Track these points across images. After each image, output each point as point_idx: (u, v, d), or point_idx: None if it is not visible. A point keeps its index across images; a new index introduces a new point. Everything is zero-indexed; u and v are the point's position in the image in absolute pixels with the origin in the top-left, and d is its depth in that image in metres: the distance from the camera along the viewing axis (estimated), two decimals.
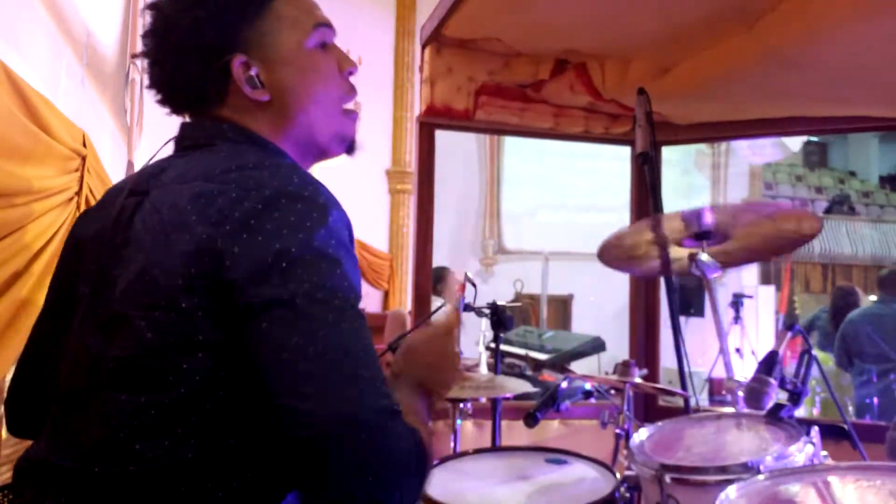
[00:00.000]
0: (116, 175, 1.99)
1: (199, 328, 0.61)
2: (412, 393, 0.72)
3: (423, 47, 1.98)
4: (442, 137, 2.09)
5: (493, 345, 1.79)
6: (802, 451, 1.00)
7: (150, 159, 0.78)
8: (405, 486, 0.57)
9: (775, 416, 1.11)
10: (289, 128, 0.76)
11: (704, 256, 1.37)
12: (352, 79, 0.81)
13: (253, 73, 0.72)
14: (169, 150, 0.78)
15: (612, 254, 1.39)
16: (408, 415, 0.63)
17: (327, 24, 0.77)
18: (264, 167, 0.66)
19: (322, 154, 0.81)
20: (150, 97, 0.80)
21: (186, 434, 0.61)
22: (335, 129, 0.79)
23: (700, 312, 5.00)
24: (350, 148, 0.82)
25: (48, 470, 0.66)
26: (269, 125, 0.75)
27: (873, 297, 5.76)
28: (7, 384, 1.40)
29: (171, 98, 0.77)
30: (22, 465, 0.70)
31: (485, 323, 1.86)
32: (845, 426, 1.38)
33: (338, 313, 0.59)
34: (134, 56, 0.78)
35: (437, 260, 2.35)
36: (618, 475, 1.09)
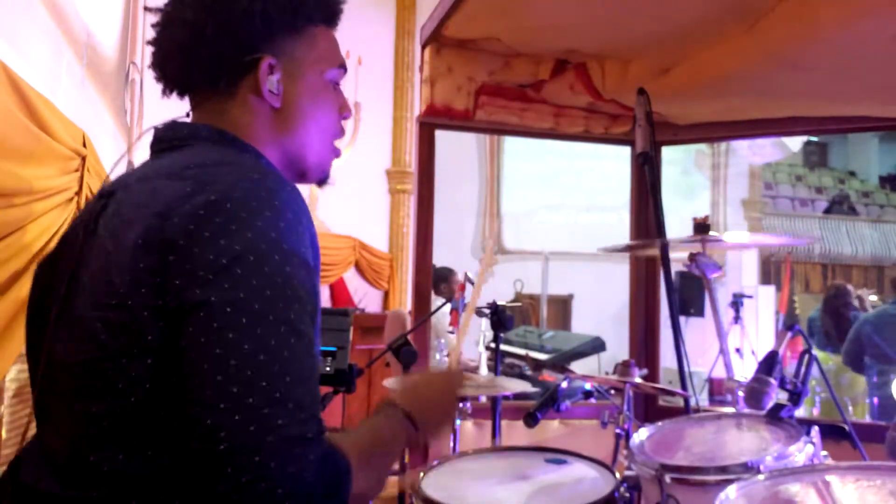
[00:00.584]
0: (116, 175, 1.98)
1: (147, 329, 0.59)
2: (395, 420, 0.73)
3: (423, 47, 1.98)
4: (442, 137, 2.09)
5: (493, 345, 1.79)
6: (802, 451, 1.00)
7: (117, 161, 0.78)
8: None
9: (775, 416, 1.11)
10: (285, 139, 0.77)
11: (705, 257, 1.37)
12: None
13: (276, 77, 0.74)
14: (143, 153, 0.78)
15: None
16: (365, 440, 0.68)
17: (345, 69, 0.81)
18: (224, 163, 0.66)
19: (301, 175, 0.81)
20: (152, 76, 0.79)
21: (142, 445, 0.59)
22: (322, 158, 0.81)
23: (700, 312, 5.00)
24: (323, 181, 0.84)
25: (20, 490, 0.64)
26: (267, 130, 0.75)
27: (873, 297, 5.76)
28: (7, 384, 1.40)
29: (185, 67, 0.74)
30: (6, 489, 0.68)
31: (485, 323, 1.86)
32: (845, 426, 1.38)
33: (270, 326, 0.57)
34: (149, 40, 0.77)
35: (437, 260, 2.35)
36: (618, 475, 1.09)
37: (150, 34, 0.77)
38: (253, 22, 0.71)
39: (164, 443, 0.59)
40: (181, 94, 0.78)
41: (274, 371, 0.56)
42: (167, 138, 0.74)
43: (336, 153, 0.83)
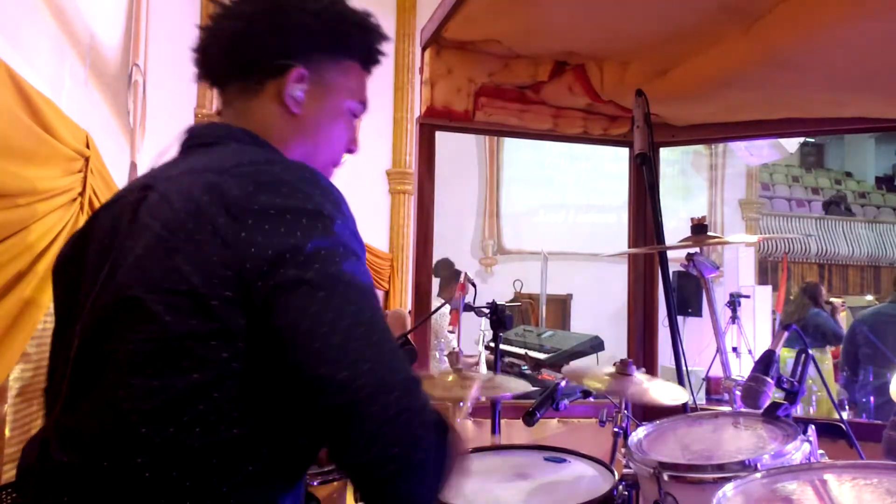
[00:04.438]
0: (119, 176, 1.99)
1: (218, 316, 0.63)
2: None
3: (424, 49, 1.99)
4: (442, 138, 2.10)
5: (492, 344, 1.80)
6: (799, 450, 1.01)
7: (158, 157, 0.80)
8: (434, 444, 0.62)
9: (772, 415, 1.12)
10: (299, 147, 0.81)
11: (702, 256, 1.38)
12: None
13: (302, 87, 0.79)
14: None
15: None
16: None
17: (365, 107, 0.87)
18: (275, 163, 0.71)
19: None
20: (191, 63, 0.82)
21: (192, 422, 0.62)
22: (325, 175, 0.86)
23: (698, 312, 5.01)
24: None
25: (53, 468, 0.66)
26: (282, 134, 0.79)
27: (869, 297, 5.77)
28: (11, 383, 1.41)
29: (227, 54, 0.79)
30: (25, 465, 0.70)
31: (484, 322, 1.87)
32: (842, 425, 1.39)
33: (360, 294, 0.64)
34: (201, 26, 0.82)
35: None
36: (616, 473, 1.10)
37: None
38: (299, 33, 0.78)
39: (213, 422, 0.63)
40: (212, 84, 0.82)
41: (377, 327, 0.63)
42: (202, 135, 0.78)
43: (330, 175, 0.87)
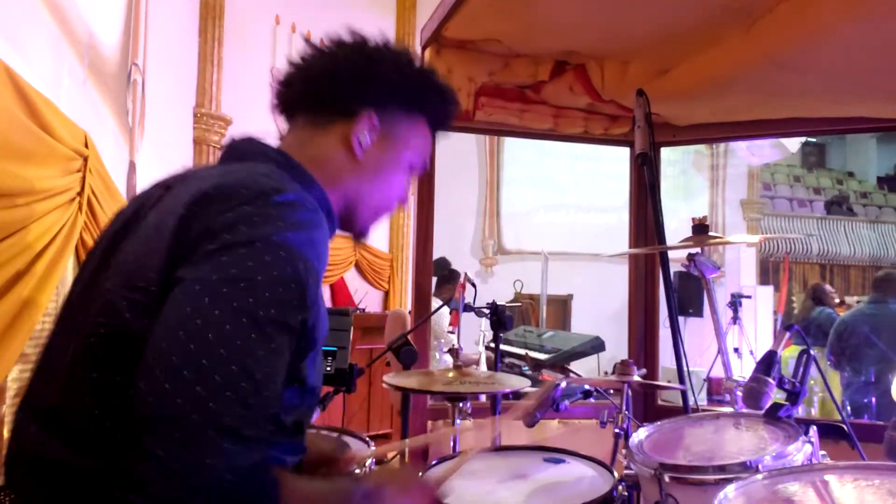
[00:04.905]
0: (118, 176, 1.99)
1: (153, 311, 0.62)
2: (362, 490, 0.71)
3: (424, 48, 1.99)
4: (442, 138, 2.09)
5: (492, 344, 1.79)
6: (801, 451, 1.01)
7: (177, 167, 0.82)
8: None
9: (774, 416, 1.12)
10: (351, 189, 0.82)
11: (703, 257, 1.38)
12: None
13: (370, 134, 0.81)
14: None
15: None
16: (321, 490, 0.68)
17: (425, 169, 0.90)
18: (272, 176, 0.70)
19: (346, 225, 0.86)
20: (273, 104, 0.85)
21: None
22: (371, 221, 0.88)
23: (699, 312, 5.00)
24: (362, 238, 0.89)
25: (38, 467, 0.67)
26: (338, 173, 0.81)
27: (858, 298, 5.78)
28: (9, 383, 1.40)
29: (306, 87, 0.81)
30: (10, 455, 0.71)
31: (484, 323, 1.87)
32: (844, 426, 1.38)
33: (233, 315, 0.58)
34: (294, 62, 0.86)
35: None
36: (616, 474, 1.10)
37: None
38: (381, 82, 0.81)
39: None
40: (284, 112, 0.84)
41: (224, 363, 0.57)
42: (237, 148, 0.79)
43: (378, 222, 0.89)
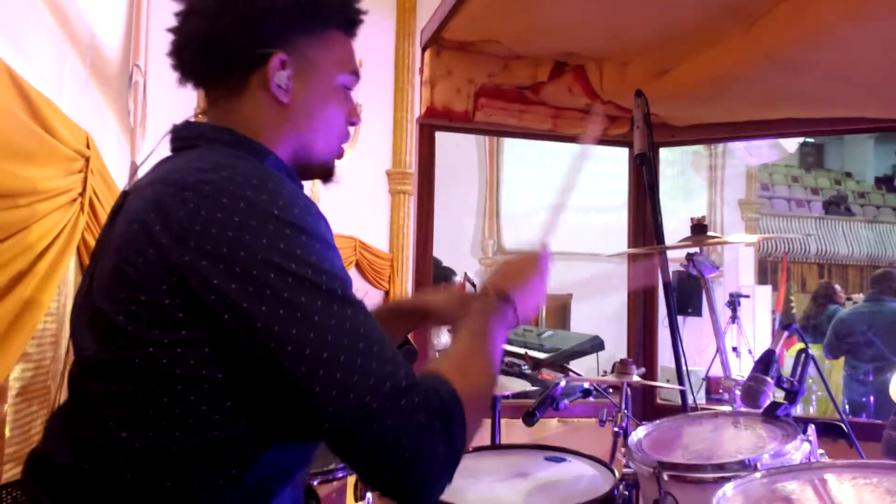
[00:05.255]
0: (120, 176, 1.99)
1: (175, 325, 0.61)
2: (489, 311, 0.77)
3: (423, 50, 2.00)
4: (442, 138, 2.10)
5: None
6: (799, 450, 1.01)
7: (143, 162, 0.80)
8: (429, 455, 0.61)
9: (772, 415, 1.12)
10: (293, 137, 0.77)
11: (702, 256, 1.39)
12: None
13: (286, 74, 0.74)
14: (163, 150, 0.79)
15: None
16: (461, 351, 0.72)
17: (358, 76, 0.82)
18: (222, 168, 0.65)
19: (306, 172, 0.81)
20: (168, 60, 0.78)
21: (171, 426, 0.62)
22: (327, 157, 0.82)
23: (698, 312, 5.01)
24: (328, 178, 0.85)
25: (45, 466, 0.68)
26: (275, 126, 0.76)
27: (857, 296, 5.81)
28: (11, 383, 1.41)
29: (201, 56, 0.74)
30: (28, 459, 0.72)
31: None
32: (842, 425, 1.39)
33: (326, 297, 0.61)
34: (169, 28, 0.77)
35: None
36: (616, 473, 1.10)
37: (170, 22, 0.77)
38: (271, 18, 0.73)
39: (192, 425, 0.62)
40: (196, 86, 0.78)
41: (345, 343, 0.60)
42: (180, 138, 0.76)
43: (340, 154, 0.84)
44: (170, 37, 0.76)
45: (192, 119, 0.77)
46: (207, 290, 0.60)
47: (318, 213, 0.66)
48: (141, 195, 0.68)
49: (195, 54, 0.75)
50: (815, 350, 3.87)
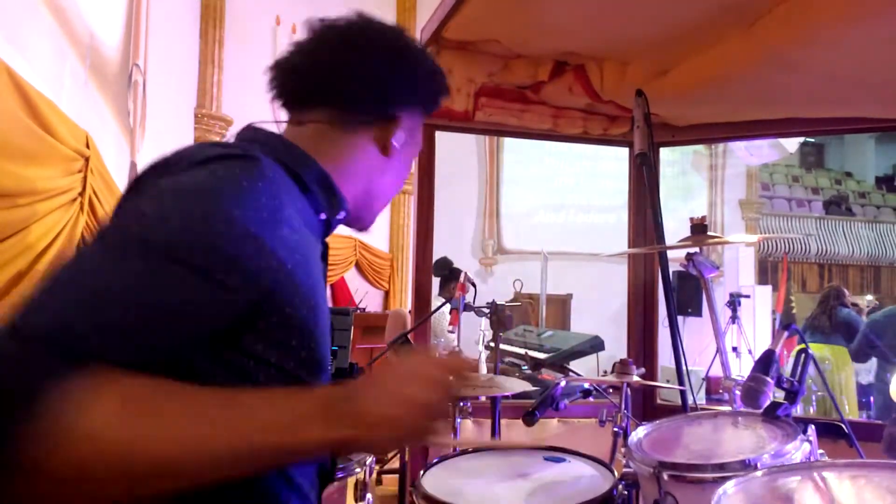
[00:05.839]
0: (119, 176, 1.99)
1: None
2: (318, 402, 0.53)
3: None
4: (442, 138, 2.10)
5: (492, 344, 1.80)
6: (799, 450, 1.01)
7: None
8: None
9: (772, 415, 1.12)
10: (372, 185, 0.80)
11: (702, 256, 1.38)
12: None
13: (402, 137, 0.79)
14: None
15: None
16: (202, 396, 0.49)
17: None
18: (219, 145, 0.65)
19: (357, 218, 0.83)
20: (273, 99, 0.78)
21: None
22: (377, 211, 0.85)
23: (698, 312, 5.01)
24: (365, 229, 0.87)
25: None
26: (360, 171, 0.78)
27: (870, 297, 5.82)
28: None
29: (327, 81, 0.74)
30: None
31: (484, 322, 1.87)
32: (842, 425, 1.39)
33: (114, 248, 0.51)
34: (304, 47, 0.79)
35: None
36: (616, 473, 1.10)
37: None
38: (414, 86, 0.79)
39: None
40: (290, 101, 0.77)
41: (81, 281, 0.49)
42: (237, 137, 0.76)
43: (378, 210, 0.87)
44: (293, 50, 0.76)
45: (257, 124, 0.76)
46: None
47: (269, 220, 0.58)
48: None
49: (325, 76, 0.75)
50: (817, 351, 3.88)
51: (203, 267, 0.52)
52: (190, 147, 0.64)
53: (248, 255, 0.55)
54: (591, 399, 1.52)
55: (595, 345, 3.53)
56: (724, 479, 0.93)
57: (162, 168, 0.61)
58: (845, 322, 4.18)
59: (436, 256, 2.14)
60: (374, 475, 1.83)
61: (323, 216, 0.75)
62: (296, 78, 0.76)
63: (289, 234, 0.61)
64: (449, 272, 3.49)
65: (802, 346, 1.18)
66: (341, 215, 0.78)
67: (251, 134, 0.75)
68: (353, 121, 0.76)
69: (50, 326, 0.45)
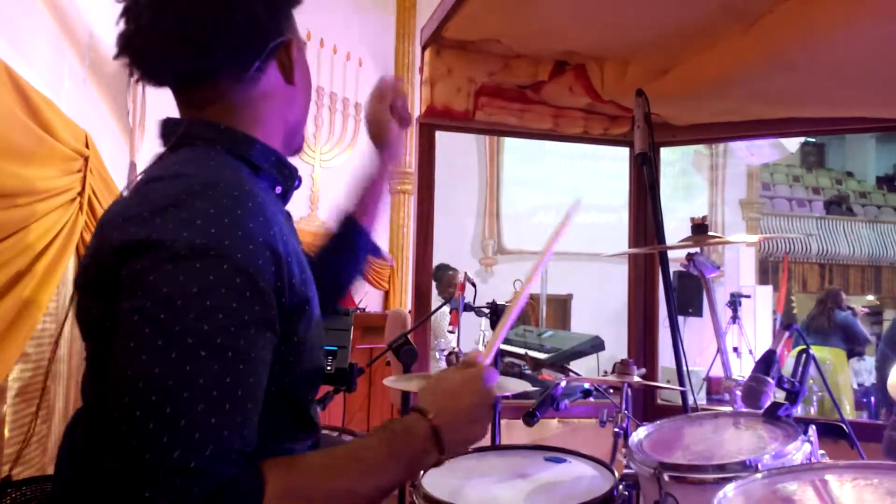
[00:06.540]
0: (119, 176, 1.99)
1: (102, 317, 0.60)
2: (422, 437, 0.64)
3: (424, 49, 1.99)
4: (442, 138, 2.10)
5: None
6: (800, 450, 1.00)
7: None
8: None
9: (773, 415, 1.12)
10: (289, 115, 0.76)
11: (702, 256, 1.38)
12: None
13: (295, 56, 0.74)
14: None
15: None
16: (325, 471, 0.59)
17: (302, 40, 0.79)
18: (182, 176, 0.63)
19: (292, 146, 0.79)
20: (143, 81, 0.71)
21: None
22: (304, 124, 0.81)
23: (698, 312, 5.01)
24: (300, 148, 0.83)
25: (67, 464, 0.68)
26: (279, 109, 0.74)
27: (870, 297, 5.82)
28: (10, 383, 1.41)
29: (213, 46, 0.66)
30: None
31: (484, 322, 1.87)
32: (843, 425, 1.38)
33: (175, 338, 0.54)
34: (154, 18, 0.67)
35: (437, 260, 2.35)
36: (616, 473, 1.10)
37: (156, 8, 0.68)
38: (288, 4, 0.72)
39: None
40: (190, 80, 0.70)
41: (171, 392, 0.53)
42: (167, 134, 0.72)
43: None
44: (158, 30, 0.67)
45: (172, 118, 0.73)
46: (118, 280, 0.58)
47: (257, 232, 0.59)
48: (124, 198, 0.68)
49: (207, 41, 0.66)
50: (815, 352, 3.87)
51: (263, 319, 0.59)
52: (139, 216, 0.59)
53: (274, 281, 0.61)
54: (591, 399, 1.52)
55: (595, 345, 3.53)
56: (725, 480, 0.93)
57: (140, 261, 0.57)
58: (843, 325, 4.19)
59: (436, 256, 2.14)
60: None
61: (279, 189, 0.74)
62: (164, 62, 0.68)
63: (278, 233, 0.62)
64: (450, 274, 3.49)
65: (803, 346, 1.18)
66: (297, 183, 0.76)
67: (183, 129, 0.69)
68: (253, 72, 0.69)
69: (195, 449, 0.53)
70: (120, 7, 0.69)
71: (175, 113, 0.76)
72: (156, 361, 0.54)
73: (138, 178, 0.68)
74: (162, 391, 0.53)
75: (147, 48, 0.67)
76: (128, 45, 0.68)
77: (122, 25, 0.68)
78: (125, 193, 0.68)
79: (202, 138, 0.69)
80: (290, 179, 0.75)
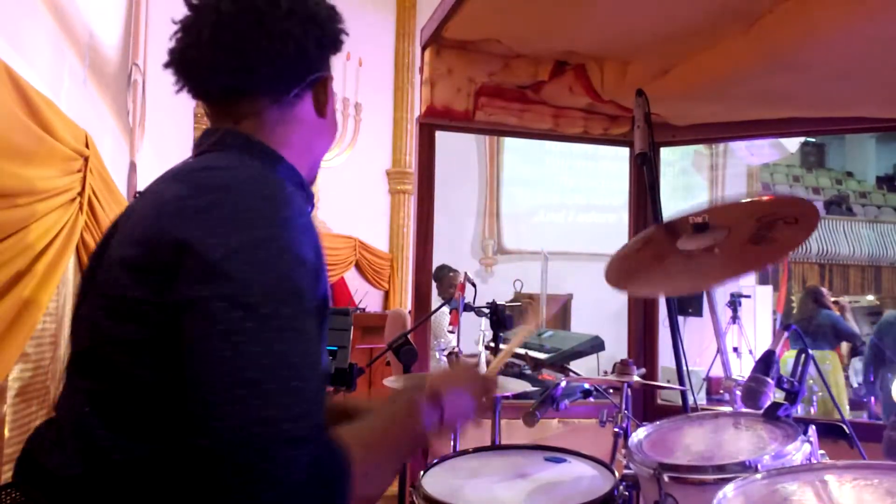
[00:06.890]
0: (119, 176, 1.99)
1: (147, 322, 0.61)
2: (413, 405, 0.75)
3: (424, 49, 1.99)
4: (442, 138, 2.10)
5: (492, 344, 1.79)
6: (800, 451, 1.01)
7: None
8: (311, 494, 0.57)
9: (773, 416, 1.12)
10: (316, 148, 0.82)
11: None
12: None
13: (330, 93, 0.82)
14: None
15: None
16: (375, 432, 0.71)
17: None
18: (230, 168, 0.69)
19: (311, 178, 0.84)
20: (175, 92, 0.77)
21: (140, 431, 0.61)
22: (320, 162, 0.86)
23: (698, 312, 5.00)
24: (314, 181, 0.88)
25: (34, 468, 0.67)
26: (308, 139, 0.80)
27: (870, 297, 5.81)
28: (10, 383, 1.40)
29: (259, 68, 0.72)
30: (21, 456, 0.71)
31: (484, 322, 1.87)
32: (843, 425, 1.38)
33: (267, 321, 0.58)
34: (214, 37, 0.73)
35: (437, 260, 2.35)
36: (616, 474, 1.10)
37: (169, 21, 0.75)
38: (333, 44, 0.79)
39: (160, 430, 0.61)
40: (228, 96, 0.75)
41: (268, 366, 0.57)
42: (202, 144, 0.77)
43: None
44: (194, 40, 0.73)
45: (213, 127, 0.78)
46: (178, 270, 0.59)
47: (303, 227, 0.64)
48: (147, 195, 0.71)
49: (252, 62, 0.72)
50: (816, 353, 3.87)
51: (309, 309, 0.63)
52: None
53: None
54: (591, 399, 1.52)
55: (595, 345, 3.52)
56: (725, 480, 0.93)
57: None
58: (830, 325, 4.14)
59: (436, 256, 2.14)
60: None
61: None
62: (214, 75, 0.73)
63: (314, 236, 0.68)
64: (451, 275, 3.49)
65: (801, 347, 1.18)
66: (310, 209, 0.78)
67: (218, 137, 0.74)
68: (292, 97, 0.77)
69: (296, 419, 0.57)
70: (177, 24, 0.75)
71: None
72: (254, 343, 0.57)
73: (176, 170, 0.72)
74: (266, 368, 0.57)
75: (200, 60, 0.73)
76: (181, 57, 0.74)
77: (176, 40, 0.75)
78: (161, 185, 0.70)
79: (236, 147, 0.74)
80: (308, 202, 0.79)
